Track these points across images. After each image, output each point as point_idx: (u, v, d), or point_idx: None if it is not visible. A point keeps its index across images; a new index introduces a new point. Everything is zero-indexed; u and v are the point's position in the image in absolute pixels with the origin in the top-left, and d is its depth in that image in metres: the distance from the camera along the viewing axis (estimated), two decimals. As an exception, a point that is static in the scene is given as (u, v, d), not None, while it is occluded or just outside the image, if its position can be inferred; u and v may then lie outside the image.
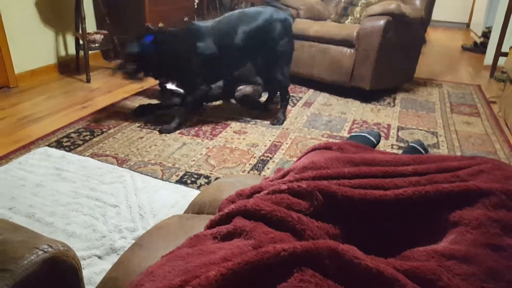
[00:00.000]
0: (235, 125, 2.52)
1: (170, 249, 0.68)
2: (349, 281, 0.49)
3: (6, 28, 3.05)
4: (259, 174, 1.94)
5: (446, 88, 3.42)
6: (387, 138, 2.39)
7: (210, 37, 2.27)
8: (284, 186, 0.70)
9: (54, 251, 0.67)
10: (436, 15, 6.95)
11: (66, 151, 2.10)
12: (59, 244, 0.70)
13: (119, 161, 2.02)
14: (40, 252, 0.66)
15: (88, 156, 2.06)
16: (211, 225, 0.72)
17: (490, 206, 0.61)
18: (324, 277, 0.49)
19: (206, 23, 2.33)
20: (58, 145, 2.18)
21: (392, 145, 2.30)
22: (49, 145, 2.16)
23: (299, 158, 1.12)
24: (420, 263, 0.53)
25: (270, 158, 2.11)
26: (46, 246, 0.67)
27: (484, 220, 0.59)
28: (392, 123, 2.61)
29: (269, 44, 2.37)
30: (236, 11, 2.41)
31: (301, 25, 3.19)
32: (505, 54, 3.62)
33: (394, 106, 2.94)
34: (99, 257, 1.34)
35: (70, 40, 3.70)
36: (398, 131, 2.49)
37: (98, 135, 2.31)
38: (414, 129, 2.53)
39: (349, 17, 3.35)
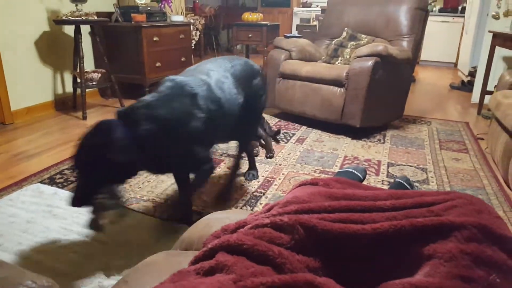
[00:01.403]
0: (228, 161, 2.55)
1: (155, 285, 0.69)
2: (324, 313, 0.51)
3: (4, 65, 3.14)
4: (251, 210, 1.95)
5: (435, 125, 3.50)
6: (377, 174, 2.42)
7: (206, 101, 1.59)
8: (267, 220, 0.73)
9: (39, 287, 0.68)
10: (425, 55, 7.24)
11: (59, 187, 2.11)
12: (44, 280, 0.70)
13: (112, 198, 2.03)
14: (25, 288, 0.66)
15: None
16: (195, 261, 0.73)
17: (462, 239, 0.64)
18: (301, 309, 0.51)
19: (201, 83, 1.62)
20: (51, 181, 2.19)
21: (382, 180, 2.33)
22: (42, 182, 2.17)
23: (287, 193, 1.14)
24: (395, 295, 0.55)
25: (263, 193, 2.13)
26: (30, 282, 0.68)
27: (456, 253, 0.62)
28: (383, 159, 2.65)
29: (254, 99, 1.95)
30: (212, 59, 1.87)
31: (293, 66, 3.31)
32: (490, 93, 3.75)
33: (384, 142, 3.00)
34: (87, 295, 1.33)
35: (68, 78, 3.80)
36: (388, 167, 2.53)
37: (91, 171, 2.33)
38: (404, 165, 2.57)
39: (339, 58, 3.48)
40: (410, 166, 2.56)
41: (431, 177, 2.40)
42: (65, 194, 2.00)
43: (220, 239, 0.71)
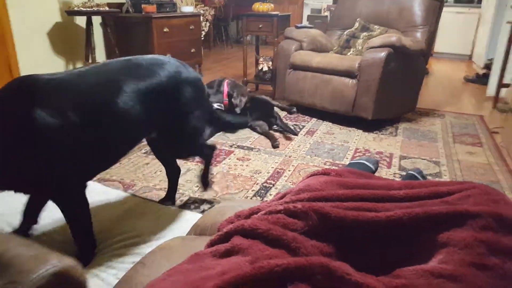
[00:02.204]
0: (238, 152, 2.56)
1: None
2: (339, 295, 0.51)
3: (18, 55, 3.19)
4: (261, 200, 1.96)
5: (449, 118, 3.46)
6: (389, 167, 2.41)
7: (64, 99, 1.19)
8: (280, 207, 0.73)
9: (63, 266, 0.70)
10: (439, 47, 7.13)
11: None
12: (68, 260, 0.72)
13: (125, 186, 2.06)
14: (49, 267, 0.68)
15: (94, 181, 2.10)
16: (210, 244, 0.74)
17: (478, 228, 0.64)
18: (316, 291, 0.52)
19: (54, 75, 1.26)
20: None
21: (394, 173, 2.32)
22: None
23: (299, 182, 1.15)
24: (409, 280, 0.56)
25: (273, 184, 2.14)
26: (56, 261, 0.70)
27: (471, 241, 0.62)
28: (395, 152, 2.64)
29: (175, 115, 1.50)
30: (121, 58, 1.43)
31: (304, 56, 3.29)
32: (507, 86, 3.69)
33: (396, 135, 2.98)
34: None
35: (81, 69, 3.83)
36: (400, 160, 2.52)
37: (104, 160, 2.36)
38: (417, 158, 2.55)
39: (351, 49, 3.46)
40: (423, 159, 2.54)
41: (444, 170, 2.38)
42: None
43: (235, 224, 0.72)
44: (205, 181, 1.87)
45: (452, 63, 6.79)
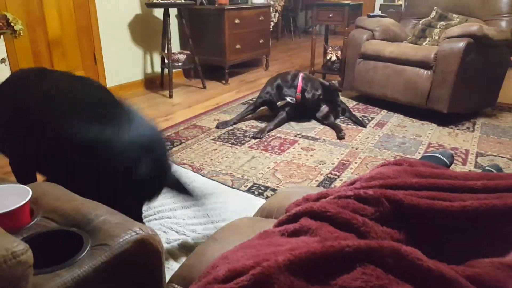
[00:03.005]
0: (303, 142, 2.57)
1: (241, 244, 0.75)
2: (410, 279, 0.51)
3: (102, 45, 3.46)
4: (325, 191, 1.96)
5: (535, 114, 3.16)
6: (464, 164, 2.27)
7: None
8: (350, 192, 0.74)
9: (145, 234, 0.78)
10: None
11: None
12: (148, 229, 0.80)
13: (194, 169, 2.17)
14: (133, 233, 0.77)
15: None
16: (279, 224, 0.77)
17: None
18: (386, 272, 0.52)
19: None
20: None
21: (469, 170, 2.18)
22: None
23: (371, 170, 1.14)
24: (485, 271, 0.54)
25: (338, 176, 2.12)
26: (138, 229, 0.78)
27: (558, 238, 0.58)
28: (471, 149, 2.47)
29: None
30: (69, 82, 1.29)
31: (376, 46, 3.18)
32: None
33: (473, 131, 2.79)
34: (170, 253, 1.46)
35: (156, 58, 4.06)
36: (476, 157, 2.36)
37: (177, 145, 2.51)
38: (495, 156, 2.37)
39: (427, 39, 3.27)
40: (502, 157, 2.36)
41: (527, 169, 2.19)
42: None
43: (304, 206, 0.74)
44: None
45: (543, 54, 6.13)
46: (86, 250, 0.73)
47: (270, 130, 2.75)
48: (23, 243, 0.58)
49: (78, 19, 3.26)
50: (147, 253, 0.79)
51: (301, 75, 2.89)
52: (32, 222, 0.81)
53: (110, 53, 3.56)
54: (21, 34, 2.42)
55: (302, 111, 2.95)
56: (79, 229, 0.79)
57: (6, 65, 2.78)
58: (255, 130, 2.76)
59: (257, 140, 2.60)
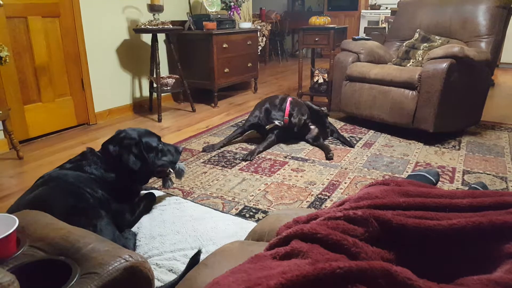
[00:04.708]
0: (293, 163, 2.58)
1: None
2: (400, 300, 0.52)
3: (90, 71, 3.47)
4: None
5: (518, 132, 3.23)
6: (452, 181, 2.30)
7: None
8: (339, 213, 0.75)
9: (134, 261, 0.77)
10: (506, 57, 6.69)
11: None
12: (138, 256, 0.79)
13: (185, 193, 2.15)
14: (122, 261, 0.76)
15: (157, 188, 2.22)
16: (270, 247, 0.77)
17: (550, 240, 0.61)
18: (377, 294, 0.52)
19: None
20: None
21: (456, 188, 2.21)
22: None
23: (359, 191, 1.15)
24: (474, 290, 0.54)
25: (328, 196, 2.12)
26: (128, 256, 0.77)
27: (544, 254, 0.59)
28: (458, 167, 2.51)
29: None
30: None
31: (361, 68, 3.25)
32: None
33: (459, 149, 2.84)
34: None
35: (145, 83, 4.08)
36: (463, 174, 2.39)
37: (166, 169, 2.49)
38: (481, 173, 2.41)
39: (411, 60, 3.36)
40: (488, 174, 2.40)
41: (513, 186, 2.23)
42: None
43: (294, 228, 0.74)
44: None
45: (522, 74, 6.33)
46: (75, 279, 0.72)
47: (260, 152, 2.76)
48: (9, 274, 0.57)
49: (65, 45, 3.28)
50: (137, 280, 0.78)
51: (289, 99, 2.93)
52: (19, 252, 0.80)
53: (99, 78, 3.57)
54: (7, 61, 2.43)
55: (292, 133, 2.97)
56: (67, 257, 0.78)
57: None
58: (245, 152, 2.77)
59: (247, 162, 2.60)
